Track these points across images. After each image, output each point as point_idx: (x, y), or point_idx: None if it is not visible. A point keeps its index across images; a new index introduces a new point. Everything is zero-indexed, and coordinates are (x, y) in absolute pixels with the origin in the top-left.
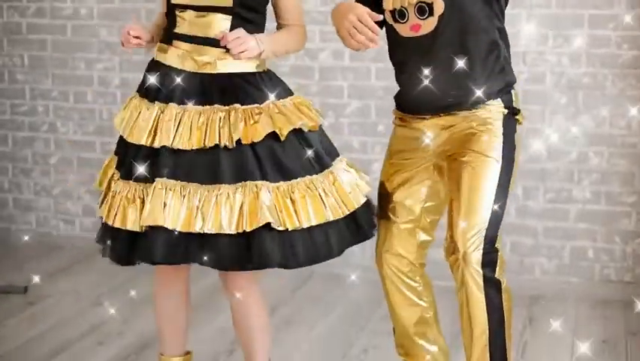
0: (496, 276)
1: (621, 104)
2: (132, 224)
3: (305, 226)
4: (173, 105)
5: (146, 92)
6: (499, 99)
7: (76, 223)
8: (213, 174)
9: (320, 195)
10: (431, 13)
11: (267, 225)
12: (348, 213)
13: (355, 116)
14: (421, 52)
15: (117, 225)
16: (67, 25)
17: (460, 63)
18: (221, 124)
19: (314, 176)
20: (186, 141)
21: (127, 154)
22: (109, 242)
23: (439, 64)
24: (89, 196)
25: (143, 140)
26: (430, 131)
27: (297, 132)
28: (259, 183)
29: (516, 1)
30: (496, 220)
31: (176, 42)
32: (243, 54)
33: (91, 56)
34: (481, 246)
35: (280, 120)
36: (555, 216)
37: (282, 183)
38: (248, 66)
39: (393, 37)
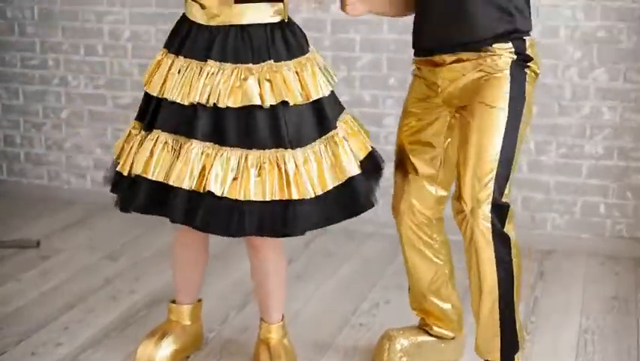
0: (505, 230)
1: (636, 59)
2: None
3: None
4: (180, 58)
5: (176, 47)
6: (508, 43)
7: (88, 177)
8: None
9: (286, 171)
10: None
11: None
12: (322, 192)
13: (367, 69)
14: None
15: (158, 178)
16: None
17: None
18: (205, 81)
19: (288, 150)
20: (185, 96)
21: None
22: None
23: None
24: (100, 150)
25: (156, 93)
26: (442, 81)
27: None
28: (224, 149)
29: None
30: (503, 171)
31: None
32: None
33: (101, 9)
34: (489, 199)
35: (265, 88)
36: (567, 171)
37: (253, 150)
38: (261, 17)
39: None
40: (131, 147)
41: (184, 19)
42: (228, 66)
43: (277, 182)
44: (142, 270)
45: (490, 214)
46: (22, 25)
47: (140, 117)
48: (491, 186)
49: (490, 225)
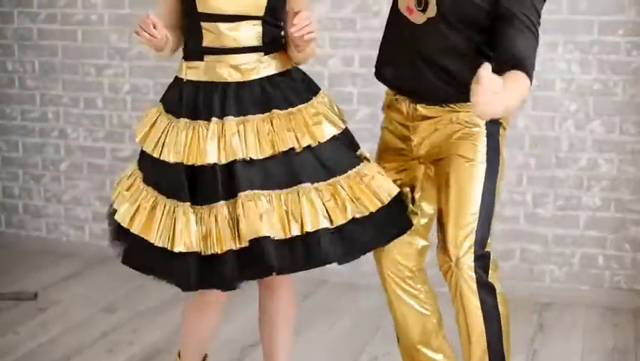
0: (489, 280)
1: (631, 111)
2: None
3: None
4: (230, 118)
5: (191, 112)
6: None
7: (86, 230)
8: (290, 178)
9: (363, 182)
10: (424, 10)
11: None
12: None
13: (365, 122)
14: (414, 39)
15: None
16: (78, 31)
17: (438, 68)
18: (288, 127)
19: (350, 171)
20: (258, 150)
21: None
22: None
23: (424, 54)
24: (98, 202)
25: (215, 158)
26: (415, 136)
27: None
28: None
29: None
30: (484, 223)
31: (208, 56)
32: (309, 36)
33: (101, 62)
34: (472, 250)
35: (322, 121)
36: (565, 223)
37: (331, 180)
38: (284, 64)
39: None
40: (207, 225)
41: (203, 85)
42: (295, 110)
43: (357, 191)
44: (140, 322)
45: (473, 264)
46: (23, 78)
47: (176, 194)
48: (473, 237)
49: (474, 274)
